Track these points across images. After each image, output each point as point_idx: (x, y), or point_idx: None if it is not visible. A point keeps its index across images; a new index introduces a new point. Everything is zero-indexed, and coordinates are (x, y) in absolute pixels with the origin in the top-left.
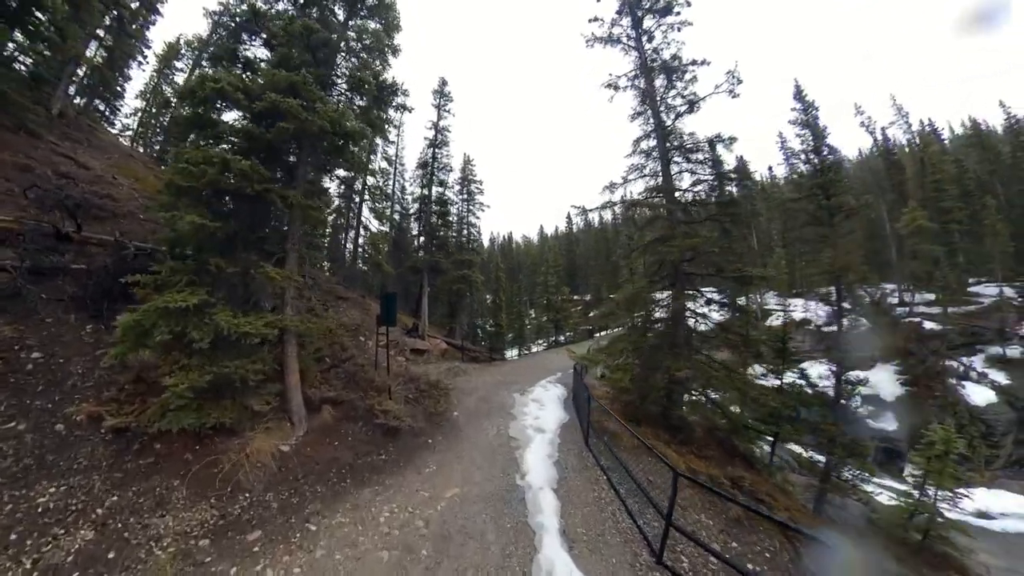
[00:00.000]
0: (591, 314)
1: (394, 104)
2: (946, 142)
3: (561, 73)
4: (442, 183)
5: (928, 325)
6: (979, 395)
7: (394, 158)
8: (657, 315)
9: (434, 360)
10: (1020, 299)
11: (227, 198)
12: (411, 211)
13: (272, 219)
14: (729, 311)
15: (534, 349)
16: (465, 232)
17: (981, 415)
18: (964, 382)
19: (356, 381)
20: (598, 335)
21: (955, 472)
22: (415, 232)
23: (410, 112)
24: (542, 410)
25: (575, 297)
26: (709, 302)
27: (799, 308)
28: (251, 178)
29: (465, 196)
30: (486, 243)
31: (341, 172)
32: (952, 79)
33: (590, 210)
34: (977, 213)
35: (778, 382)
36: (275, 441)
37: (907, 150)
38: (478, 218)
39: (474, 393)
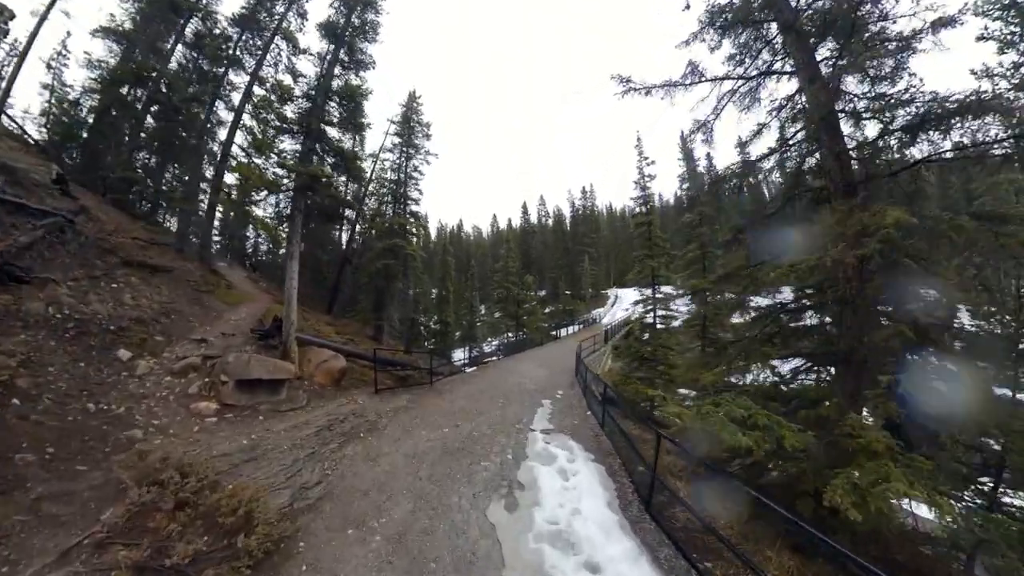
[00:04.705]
0: (547, 309)
1: None
2: None
3: (515, 68)
4: (359, 64)
5: None
6: None
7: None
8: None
9: (306, 400)
10: None
11: None
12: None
13: None
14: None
15: (486, 349)
16: (403, 190)
17: None
18: None
19: None
20: (566, 331)
21: None
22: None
23: None
24: None
25: (529, 293)
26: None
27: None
28: None
29: (405, 138)
30: (433, 233)
31: None
32: None
33: (647, 88)
34: None
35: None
36: None
37: None
38: (422, 174)
39: (378, 526)
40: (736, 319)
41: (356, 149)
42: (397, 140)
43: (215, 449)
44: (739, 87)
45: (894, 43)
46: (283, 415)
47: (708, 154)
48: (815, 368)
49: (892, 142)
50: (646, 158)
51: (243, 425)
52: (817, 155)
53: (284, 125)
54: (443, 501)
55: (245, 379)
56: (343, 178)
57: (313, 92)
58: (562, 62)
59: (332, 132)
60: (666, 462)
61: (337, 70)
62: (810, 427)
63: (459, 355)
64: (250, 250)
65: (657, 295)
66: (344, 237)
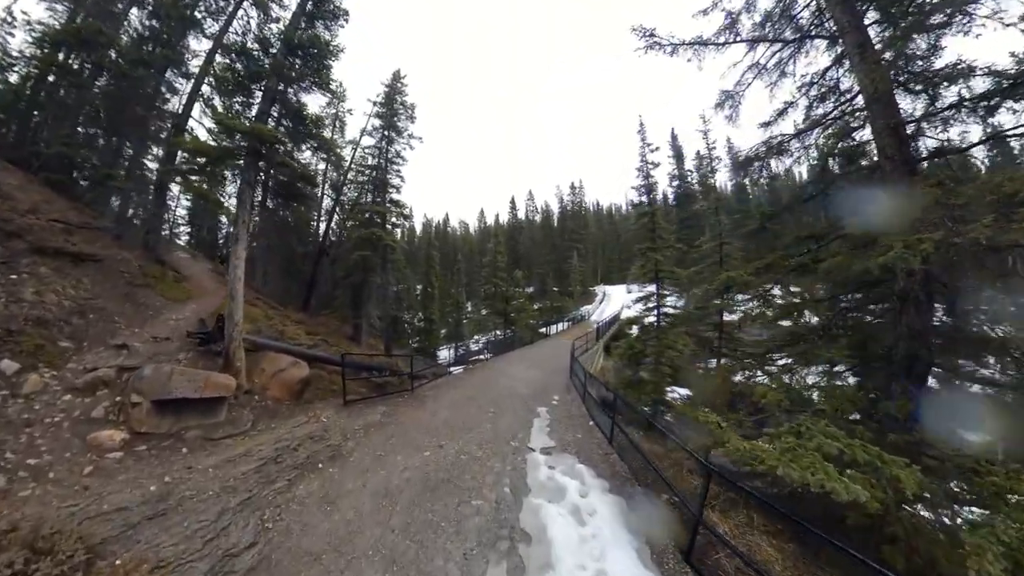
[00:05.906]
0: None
1: None
2: None
3: (499, 39)
4: (329, 14)
5: None
6: None
7: None
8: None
9: (251, 422)
10: None
11: None
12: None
13: None
14: None
15: (473, 347)
16: (384, 176)
17: None
18: None
19: None
20: (557, 329)
21: None
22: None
23: None
24: None
25: (517, 289)
26: None
27: None
28: None
29: (387, 120)
30: (419, 228)
31: None
32: None
33: (674, 45)
34: None
35: None
36: None
37: None
38: (404, 160)
39: None
40: (728, 316)
41: (335, 135)
42: (378, 123)
43: (107, 502)
44: (768, 61)
45: (948, 8)
46: (216, 444)
47: (698, 152)
48: (838, 373)
49: (961, 115)
50: (649, 144)
51: (157, 462)
52: (868, 128)
53: (235, 87)
54: (423, 567)
55: (166, 399)
56: (322, 165)
57: (272, 47)
58: (546, 33)
59: (306, 102)
60: (693, 486)
61: (303, 24)
62: (901, 456)
63: (445, 354)
64: (221, 241)
65: (662, 291)
66: (323, 228)
